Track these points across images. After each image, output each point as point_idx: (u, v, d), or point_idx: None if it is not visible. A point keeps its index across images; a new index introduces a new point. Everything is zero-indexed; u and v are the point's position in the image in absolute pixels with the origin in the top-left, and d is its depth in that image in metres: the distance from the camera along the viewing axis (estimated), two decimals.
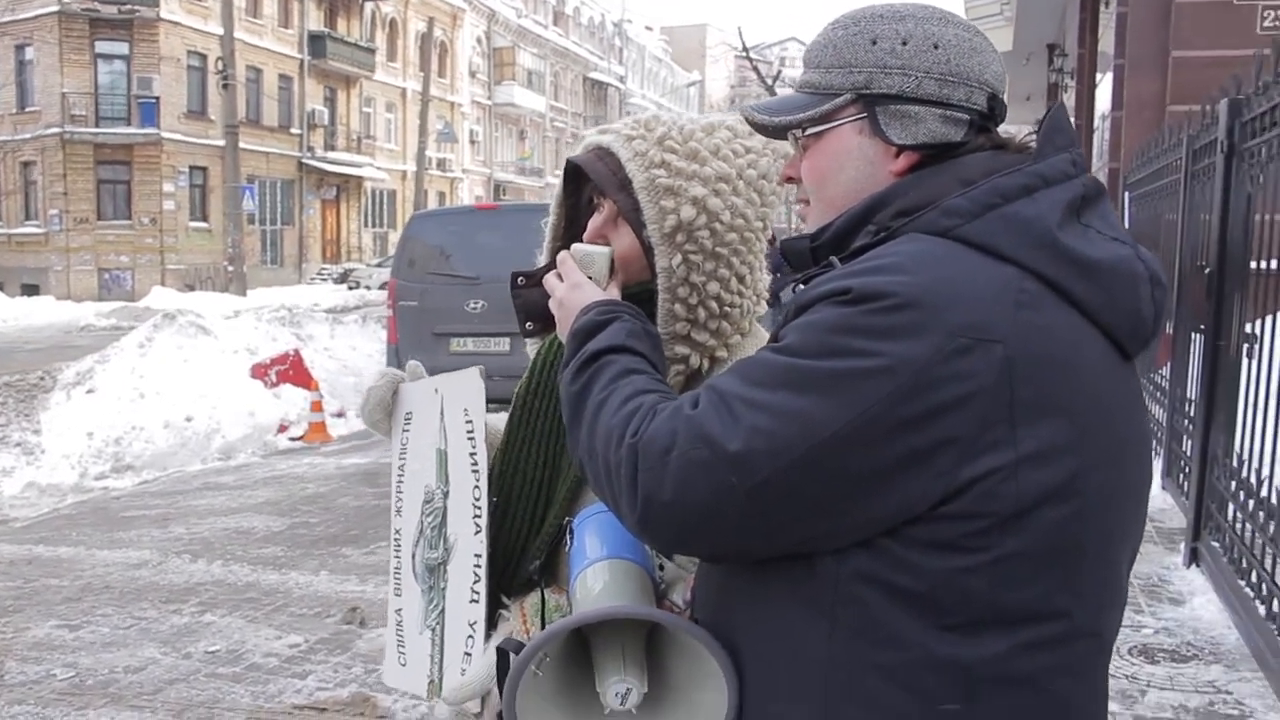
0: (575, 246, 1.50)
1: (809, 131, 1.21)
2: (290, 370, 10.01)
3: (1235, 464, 4.66)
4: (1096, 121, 13.46)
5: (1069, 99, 16.59)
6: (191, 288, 29.09)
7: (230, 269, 27.10)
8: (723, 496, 1.03)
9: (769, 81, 45.03)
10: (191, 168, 32.70)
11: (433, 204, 41.03)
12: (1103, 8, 12.46)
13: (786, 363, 1.04)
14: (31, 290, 29.80)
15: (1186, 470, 5.56)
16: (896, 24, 1.17)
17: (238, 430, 8.97)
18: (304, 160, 37.22)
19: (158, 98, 31.02)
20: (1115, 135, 10.86)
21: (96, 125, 30.93)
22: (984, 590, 1.02)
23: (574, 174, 1.61)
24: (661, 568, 1.38)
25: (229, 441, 8.86)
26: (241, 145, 27.43)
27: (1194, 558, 5.05)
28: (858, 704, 1.05)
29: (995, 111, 1.18)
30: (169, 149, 31.58)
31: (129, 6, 30.39)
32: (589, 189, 1.58)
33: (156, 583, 5.43)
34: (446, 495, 1.63)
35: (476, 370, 1.65)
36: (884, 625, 1.03)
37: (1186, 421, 5.87)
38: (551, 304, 1.43)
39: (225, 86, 25.86)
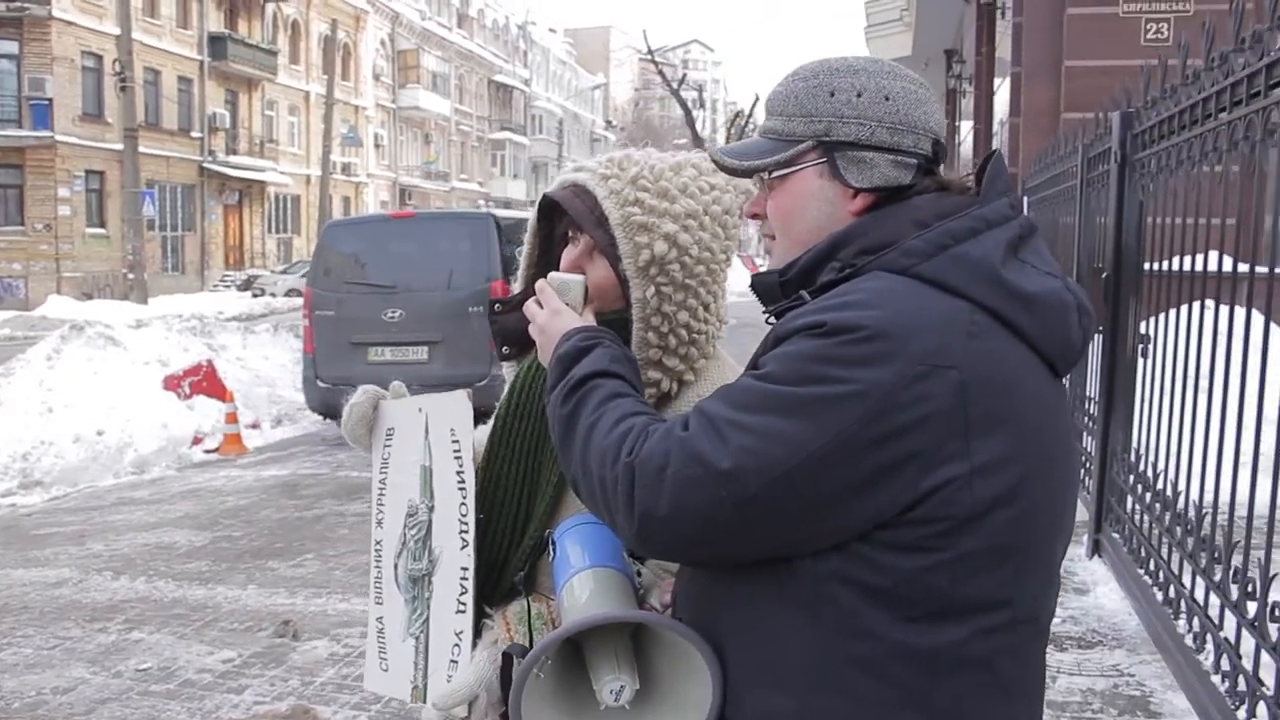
0: (552, 275, 1.61)
1: (775, 174, 1.34)
2: (204, 381, 9.85)
3: (1133, 459, 4.93)
4: (995, 127, 13.91)
5: (967, 104, 17.12)
6: (90, 296, 28.24)
7: (130, 277, 26.41)
8: (715, 510, 1.15)
9: (674, 85, 45.44)
10: (88, 172, 31.67)
11: (338, 209, 40.52)
12: (999, 17, 12.90)
13: (768, 389, 1.16)
14: None
15: (1088, 466, 5.84)
16: (852, 78, 1.30)
17: (151, 443, 8.81)
18: (205, 165, 36.38)
19: (51, 99, 30.00)
20: (1014, 140, 11.27)
21: None
22: (944, 585, 1.15)
23: (548, 208, 1.72)
24: (639, 574, 1.49)
25: (142, 455, 8.69)
26: (140, 149, 26.74)
27: (1096, 549, 5.32)
28: (833, 692, 1.18)
29: (938, 155, 1.33)
30: (64, 152, 30.57)
31: (18, 4, 29.35)
32: (565, 223, 1.69)
33: (79, 601, 5.35)
34: (431, 510, 1.72)
35: (464, 393, 1.75)
36: (857, 619, 1.16)
37: (1087, 419, 6.15)
38: (532, 330, 1.54)
39: (123, 89, 25.21)
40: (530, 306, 1.55)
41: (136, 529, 6.78)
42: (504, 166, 63.08)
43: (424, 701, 1.71)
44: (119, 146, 27.63)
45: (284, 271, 35.48)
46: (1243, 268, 3.65)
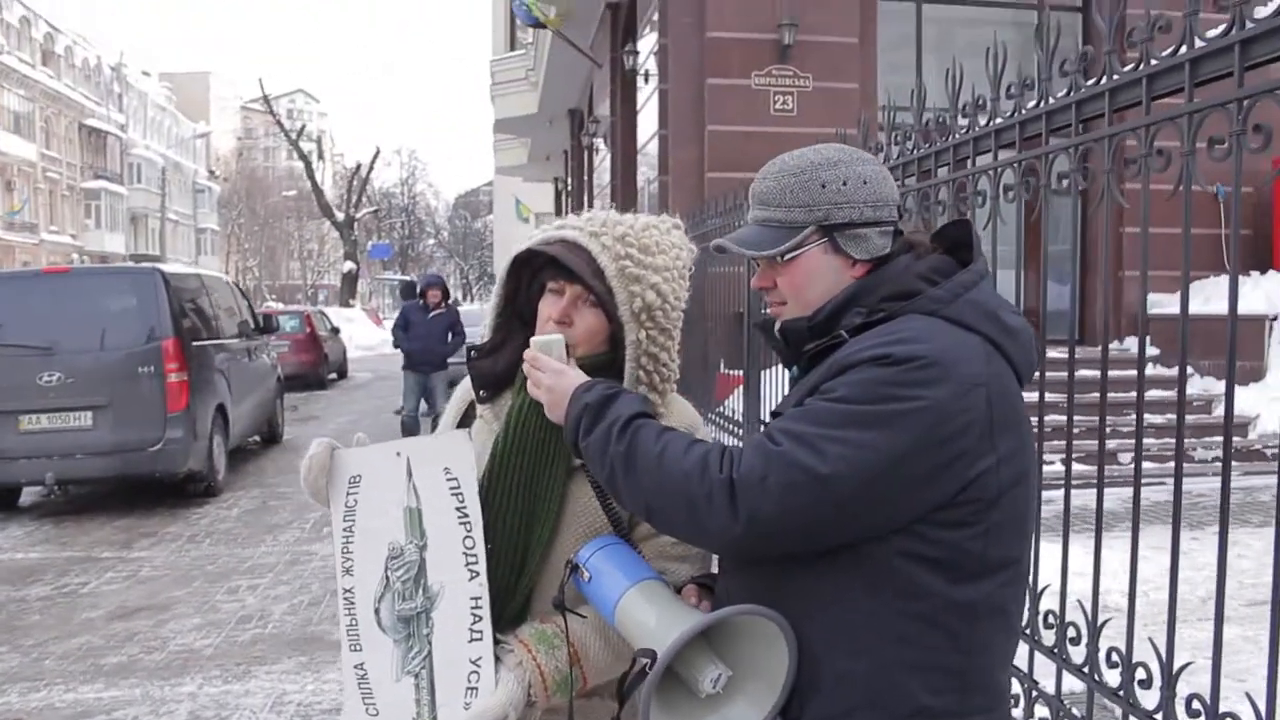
0: (535, 338, 1.81)
1: (786, 258, 1.63)
2: None
3: None
4: (640, 183, 14.89)
5: (604, 161, 18.12)
6: None
7: None
8: (816, 508, 1.43)
9: (293, 136, 44.10)
10: None
11: None
12: (642, 82, 13.88)
13: (851, 409, 1.45)
14: None
15: None
16: (834, 170, 1.63)
17: None
18: None
19: None
20: (663, 196, 12.18)
21: None
22: (980, 550, 1.49)
23: (518, 263, 1.90)
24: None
25: None
26: None
27: None
28: (896, 640, 1.49)
29: (901, 217, 1.67)
30: None
31: None
32: (544, 275, 1.88)
33: None
34: (423, 548, 1.81)
35: (465, 433, 1.88)
36: (915, 583, 1.48)
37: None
38: (540, 393, 1.74)
39: None
40: (533, 374, 1.75)
41: None
42: (100, 218, 58.09)
43: None
44: None
45: None
46: None
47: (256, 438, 12.49)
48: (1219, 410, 9.67)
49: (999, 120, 3.17)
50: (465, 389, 2.06)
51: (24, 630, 5.81)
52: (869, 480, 1.42)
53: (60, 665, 5.21)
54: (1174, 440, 2.66)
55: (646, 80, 13.57)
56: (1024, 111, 3.04)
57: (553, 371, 1.73)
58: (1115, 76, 2.66)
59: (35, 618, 6.05)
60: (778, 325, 1.69)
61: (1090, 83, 2.77)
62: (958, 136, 3.43)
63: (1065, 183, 2.94)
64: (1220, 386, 9.82)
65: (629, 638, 1.63)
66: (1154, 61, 2.51)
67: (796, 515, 1.43)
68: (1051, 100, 2.91)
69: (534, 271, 1.92)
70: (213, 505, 9.24)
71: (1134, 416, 3.03)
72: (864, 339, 1.53)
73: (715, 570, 1.79)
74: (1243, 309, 2.49)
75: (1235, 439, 7.68)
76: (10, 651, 5.46)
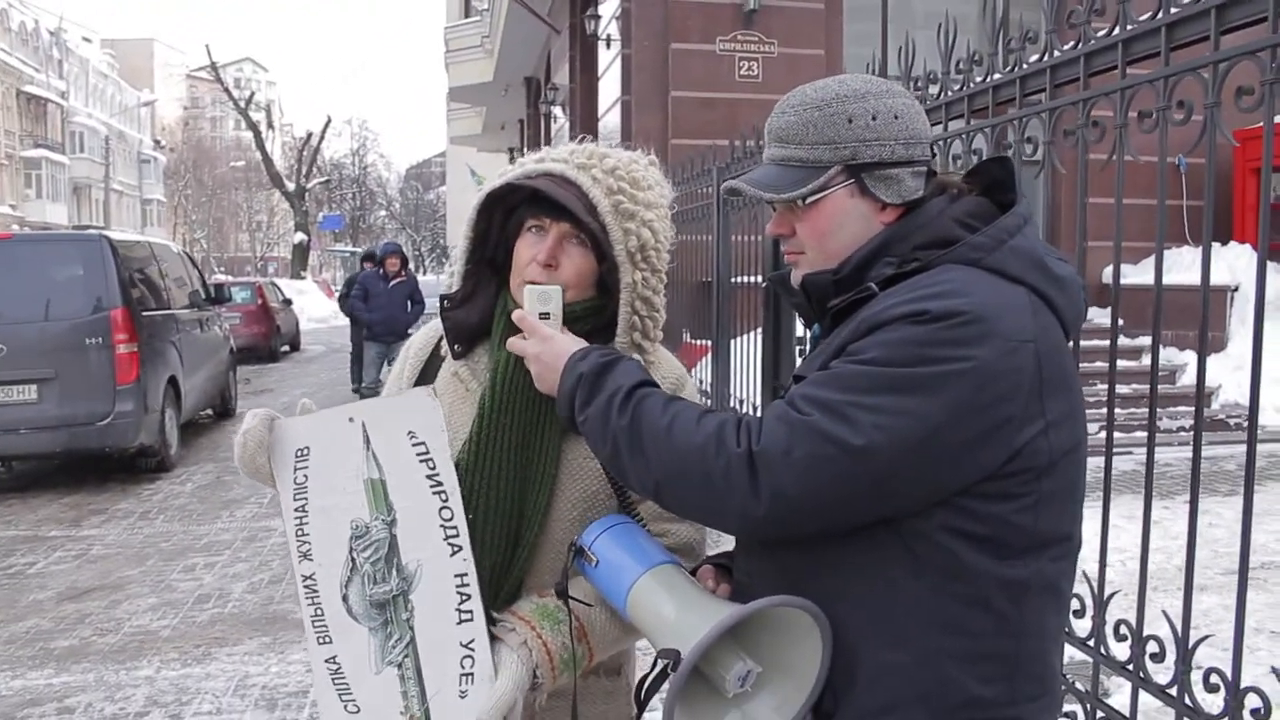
0: (530, 288, 1.64)
1: (808, 202, 1.46)
2: None
3: None
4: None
5: (562, 129, 17.88)
6: None
7: None
8: (847, 483, 1.28)
9: (241, 104, 43.25)
10: None
11: None
12: (604, 48, 13.64)
13: (883, 372, 1.29)
14: None
15: None
16: (862, 102, 1.45)
17: None
18: None
19: None
20: None
21: None
22: (1029, 524, 1.34)
23: (491, 200, 1.72)
24: None
25: None
26: None
27: None
28: (941, 628, 1.34)
29: (934, 156, 1.52)
30: None
31: None
32: (522, 212, 1.70)
33: None
34: (392, 524, 1.62)
35: (429, 389, 1.67)
36: (960, 563, 1.33)
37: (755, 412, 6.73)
38: (529, 361, 1.58)
39: None
40: (517, 342, 1.59)
41: None
42: (41, 188, 56.60)
43: None
44: None
45: None
46: None
47: (209, 411, 12.16)
48: (1182, 380, 9.71)
49: (973, 85, 3.17)
50: (422, 342, 1.87)
51: None
52: (906, 452, 1.27)
53: (6, 650, 4.97)
54: (1142, 410, 2.70)
55: (609, 45, 13.33)
56: (995, 77, 3.05)
57: (540, 337, 1.57)
58: (1092, 42, 2.66)
59: None
60: (798, 278, 1.52)
61: (1068, 47, 2.77)
62: (929, 103, 3.38)
63: (1034, 151, 2.92)
64: (1182, 357, 9.87)
65: (644, 631, 1.48)
66: (1130, 26, 2.52)
67: (825, 492, 1.28)
68: (1025, 66, 2.91)
69: (508, 211, 1.74)
70: (165, 481, 8.96)
71: (1102, 387, 3.08)
72: (896, 293, 1.37)
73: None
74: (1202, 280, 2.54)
75: None
76: None
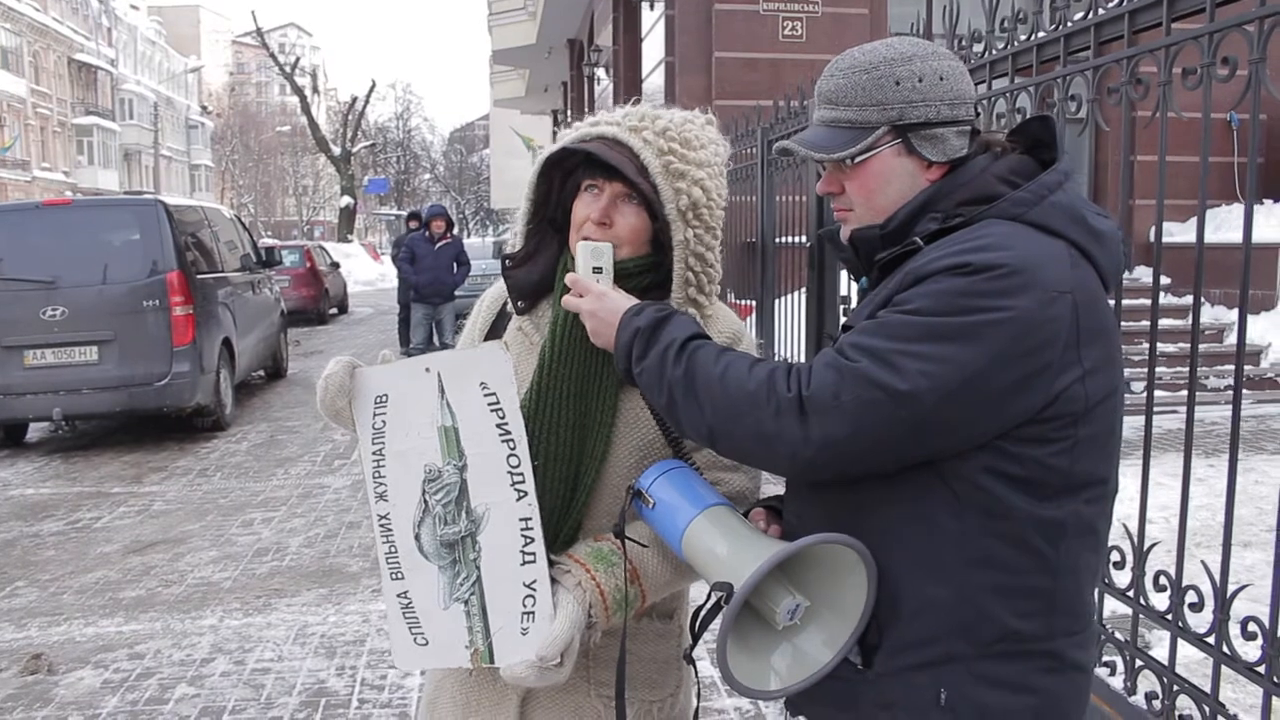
0: (582, 243, 1.72)
1: (856, 161, 1.53)
2: None
3: None
4: None
5: (605, 91, 17.84)
6: None
7: None
8: (893, 427, 1.35)
9: (288, 70, 43.48)
10: None
11: None
12: (647, 9, 13.59)
13: (927, 321, 1.36)
14: None
15: None
16: (908, 65, 1.52)
17: None
18: None
19: None
20: None
21: None
22: (1066, 466, 1.41)
23: (550, 164, 1.79)
24: None
25: None
26: None
27: None
28: (981, 563, 1.41)
29: (978, 115, 1.57)
30: None
31: None
32: (579, 174, 1.78)
33: None
34: (463, 469, 1.70)
35: (499, 343, 1.75)
36: (1000, 502, 1.40)
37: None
38: (584, 317, 1.66)
39: None
40: (572, 300, 1.67)
41: None
42: (92, 154, 57.46)
43: (490, 662, 1.71)
44: None
45: None
46: None
47: (261, 372, 12.42)
48: (1230, 339, 9.61)
49: (1017, 44, 3.19)
50: (492, 299, 1.96)
51: (39, 565, 5.79)
52: (948, 396, 1.34)
53: (78, 600, 5.19)
54: (1186, 369, 2.71)
55: (652, 7, 13.28)
56: (1039, 35, 3.07)
57: (595, 295, 1.64)
58: None
59: (50, 553, 6.02)
60: (846, 233, 1.59)
61: (1113, 4, 2.79)
62: (972, 62, 3.39)
63: (1078, 109, 2.92)
64: (1231, 315, 9.75)
65: (699, 568, 1.55)
66: None
67: (872, 435, 1.35)
68: (1069, 24, 2.93)
69: (566, 173, 1.81)
70: (221, 439, 9.19)
71: (1146, 346, 3.09)
72: (940, 246, 1.43)
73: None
74: (1254, 238, 2.54)
75: (1247, 368, 7.66)
76: (28, 586, 5.43)
